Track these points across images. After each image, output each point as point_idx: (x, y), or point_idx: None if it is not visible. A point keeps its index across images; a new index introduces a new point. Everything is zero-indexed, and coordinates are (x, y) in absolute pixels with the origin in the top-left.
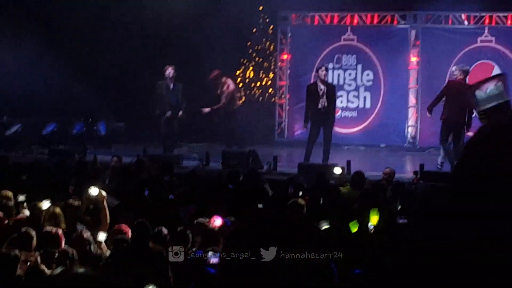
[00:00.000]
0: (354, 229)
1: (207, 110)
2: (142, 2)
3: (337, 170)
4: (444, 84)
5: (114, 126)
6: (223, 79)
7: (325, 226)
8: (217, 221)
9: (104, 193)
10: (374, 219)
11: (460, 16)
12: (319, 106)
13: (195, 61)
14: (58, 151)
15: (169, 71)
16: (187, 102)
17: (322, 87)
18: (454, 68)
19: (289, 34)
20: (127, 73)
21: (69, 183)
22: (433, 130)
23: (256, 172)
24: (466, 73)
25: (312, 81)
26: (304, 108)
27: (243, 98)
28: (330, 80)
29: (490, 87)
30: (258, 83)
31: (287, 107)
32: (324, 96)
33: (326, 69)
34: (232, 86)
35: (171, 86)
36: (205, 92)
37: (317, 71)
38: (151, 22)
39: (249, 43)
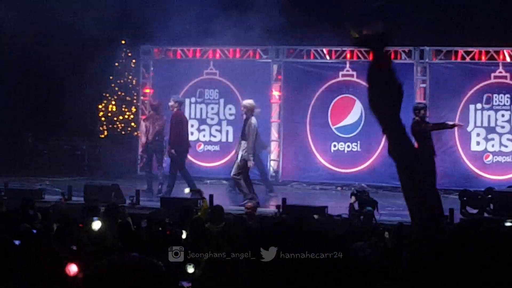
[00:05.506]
0: None
1: None
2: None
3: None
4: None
5: None
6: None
7: None
8: (73, 268)
9: None
10: None
11: (322, 51)
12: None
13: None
14: None
15: None
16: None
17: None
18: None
19: (152, 68)
20: None
21: None
22: (295, 164)
23: (117, 207)
24: (180, 103)
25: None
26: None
27: (105, 132)
28: (192, 114)
29: None
30: (121, 117)
31: None
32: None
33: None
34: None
35: None
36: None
37: (419, 111)
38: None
39: (111, 77)
